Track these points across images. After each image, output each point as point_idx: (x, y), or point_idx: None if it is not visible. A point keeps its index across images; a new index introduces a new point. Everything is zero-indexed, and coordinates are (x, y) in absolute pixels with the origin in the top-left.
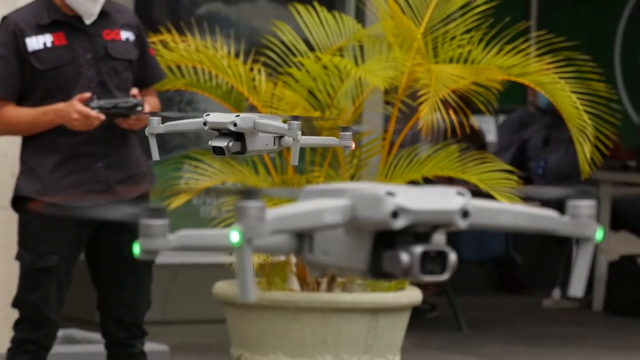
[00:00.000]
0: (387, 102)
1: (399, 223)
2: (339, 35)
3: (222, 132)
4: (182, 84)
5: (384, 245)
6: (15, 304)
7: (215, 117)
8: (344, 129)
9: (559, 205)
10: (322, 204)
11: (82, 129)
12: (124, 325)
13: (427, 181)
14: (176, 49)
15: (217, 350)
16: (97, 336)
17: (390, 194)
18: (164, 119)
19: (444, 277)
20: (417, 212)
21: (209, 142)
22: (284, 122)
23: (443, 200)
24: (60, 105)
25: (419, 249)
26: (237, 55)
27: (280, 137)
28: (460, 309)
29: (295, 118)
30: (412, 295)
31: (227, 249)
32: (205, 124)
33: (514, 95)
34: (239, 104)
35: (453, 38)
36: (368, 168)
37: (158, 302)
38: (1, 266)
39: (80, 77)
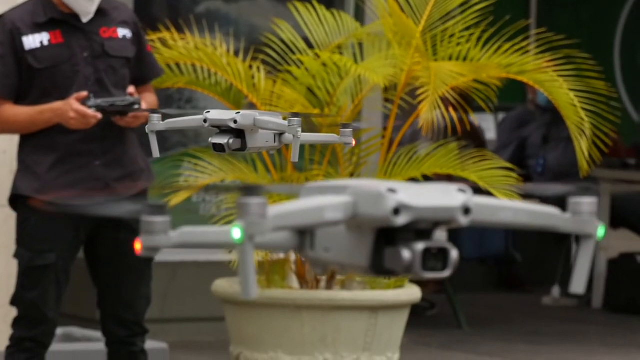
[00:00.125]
0: (386, 100)
1: (401, 220)
2: (338, 33)
3: (222, 129)
4: (181, 82)
5: (385, 242)
6: (14, 302)
7: (216, 114)
8: (345, 125)
9: (557, 203)
10: (324, 200)
11: (79, 127)
12: (124, 323)
13: (426, 179)
14: (175, 47)
15: (217, 348)
16: (96, 334)
17: (392, 190)
18: (164, 117)
19: (446, 274)
20: (418, 209)
21: (209, 139)
22: (284, 119)
23: (444, 197)
24: (57, 104)
25: (420, 246)
26: (236, 53)
27: (281, 134)
28: (459, 307)
29: (295, 115)
30: (412, 292)
31: (229, 246)
32: (205, 121)
33: (513, 93)
34: (238, 101)
35: (452, 36)
36: (367, 166)
37: (157, 300)
38: (1, 264)
39: (77, 75)
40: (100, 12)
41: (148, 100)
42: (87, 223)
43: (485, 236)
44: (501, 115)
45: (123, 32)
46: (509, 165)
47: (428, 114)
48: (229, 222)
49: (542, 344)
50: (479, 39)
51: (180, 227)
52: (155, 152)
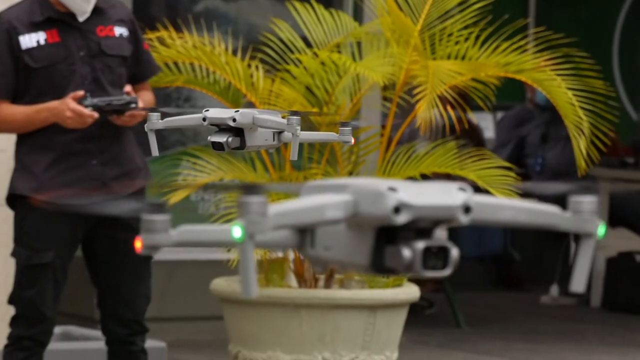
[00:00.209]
0: (385, 99)
1: (401, 218)
2: (337, 32)
3: (221, 127)
4: (179, 81)
5: (386, 241)
6: (12, 300)
7: (215, 113)
8: (343, 124)
9: (555, 202)
10: (324, 199)
11: (76, 127)
12: (124, 322)
13: (425, 178)
14: (173, 46)
15: (215, 347)
16: (94, 333)
17: (392, 189)
18: (163, 115)
19: (446, 272)
20: (419, 207)
21: (208, 138)
22: (284, 117)
23: (445, 195)
24: (53, 104)
25: (421, 245)
26: (234, 52)
27: (280, 132)
28: (458, 306)
29: (294, 113)
30: (410, 291)
31: (230, 245)
32: (204, 119)
33: (512, 92)
34: (236, 100)
35: (451, 35)
36: (366, 165)
37: (155, 298)
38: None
39: (73, 74)
40: (96, 10)
41: (145, 98)
42: (85, 221)
43: (484, 235)
44: (500, 114)
45: (120, 31)
46: (507, 164)
47: (425, 112)
48: (228, 221)
49: (540, 342)
50: (477, 37)
51: (180, 226)
52: (155, 151)
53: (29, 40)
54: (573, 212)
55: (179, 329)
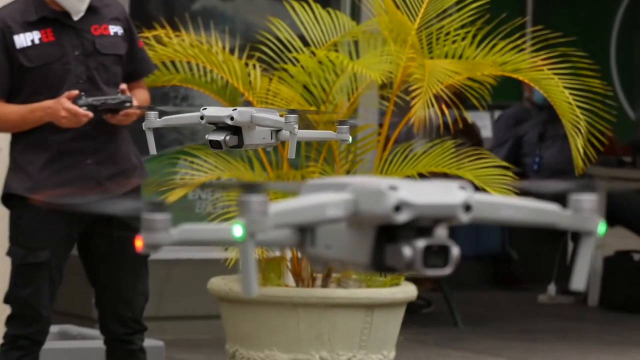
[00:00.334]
0: (382, 97)
1: (402, 217)
2: (334, 31)
3: (218, 126)
4: (176, 80)
5: (386, 239)
6: (7, 300)
7: (212, 111)
8: (341, 122)
9: (554, 200)
10: (325, 198)
11: (71, 126)
12: (122, 320)
13: (422, 177)
14: (170, 44)
15: (213, 346)
16: (91, 332)
17: (393, 188)
18: (160, 114)
19: (447, 271)
20: (419, 206)
21: (206, 136)
22: (281, 116)
23: (445, 194)
24: (48, 103)
25: (421, 243)
26: (232, 50)
27: (277, 130)
28: (455, 305)
29: (292, 112)
30: (408, 290)
31: (230, 243)
32: (202, 117)
33: (510, 91)
34: (234, 99)
35: (448, 34)
36: (363, 164)
37: (153, 297)
38: None
39: (68, 73)
40: (91, 9)
41: (140, 97)
42: (80, 220)
43: (482, 234)
44: (497, 113)
45: (114, 29)
46: (504, 163)
47: (421, 111)
48: (227, 220)
49: (538, 341)
50: (474, 36)
51: (180, 225)
52: (152, 149)
53: (24, 39)
54: (573, 210)
55: (176, 327)
